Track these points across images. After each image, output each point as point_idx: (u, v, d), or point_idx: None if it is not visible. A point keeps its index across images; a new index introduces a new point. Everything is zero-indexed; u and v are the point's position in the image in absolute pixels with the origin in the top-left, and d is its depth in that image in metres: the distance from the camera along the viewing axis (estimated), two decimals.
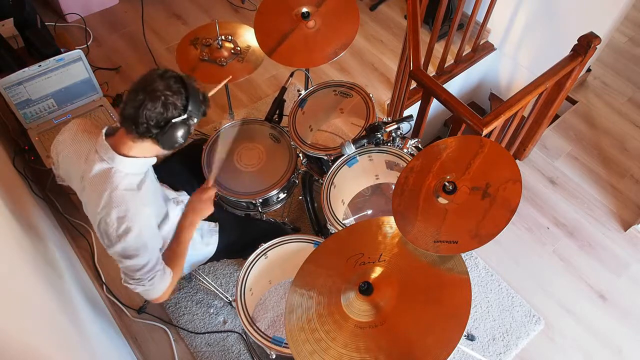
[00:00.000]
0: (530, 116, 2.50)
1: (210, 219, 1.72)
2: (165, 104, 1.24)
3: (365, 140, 1.83)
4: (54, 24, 3.12)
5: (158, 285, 1.43)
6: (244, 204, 2.01)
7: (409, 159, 1.76)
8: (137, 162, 1.35)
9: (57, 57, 2.12)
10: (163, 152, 1.37)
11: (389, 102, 2.96)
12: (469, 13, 2.74)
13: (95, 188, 1.33)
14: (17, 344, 1.10)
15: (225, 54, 2.17)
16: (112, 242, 1.34)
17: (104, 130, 1.35)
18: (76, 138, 1.41)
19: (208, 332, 2.12)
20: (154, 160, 1.40)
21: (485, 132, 1.98)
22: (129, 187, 1.33)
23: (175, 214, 1.60)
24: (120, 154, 1.32)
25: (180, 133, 1.30)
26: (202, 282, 2.19)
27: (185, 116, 1.27)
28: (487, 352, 2.16)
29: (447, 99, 2.06)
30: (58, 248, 2.05)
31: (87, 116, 2.28)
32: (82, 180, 1.38)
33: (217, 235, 1.78)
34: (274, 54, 2.04)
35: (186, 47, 2.21)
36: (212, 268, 2.28)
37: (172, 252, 1.55)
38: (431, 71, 3.02)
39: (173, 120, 1.26)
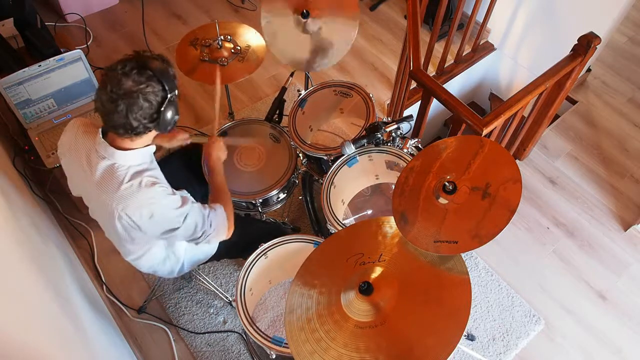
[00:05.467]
0: (530, 116, 2.50)
1: None
2: (146, 98, 1.26)
3: (365, 140, 1.83)
4: (54, 24, 3.12)
5: (219, 224, 1.53)
6: (244, 204, 2.00)
7: (409, 159, 1.76)
8: (138, 153, 1.38)
9: (57, 57, 2.11)
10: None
11: (389, 102, 2.96)
12: (469, 13, 2.74)
13: (104, 187, 1.35)
14: (17, 344, 1.10)
15: (226, 54, 2.17)
16: (144, 230, 1.39)
17: (100, 129, 1.37)
18: (76, 139, 1.43)
19: (208, 332, 2.12)
20: (153, 148, 1.43)
21: (485, 132, 1.98)
22: (136, 177, 1.35)
23: None
24: (120, 149, 1.34)
25: (171, 112, 1.33)
26: (202, 282, 2.19)
27: (169, 95, 1.30)
28: (487, 352, 2.16)
29: (447, 99, 2.06)
30: (58, 248, 2.05)
31: (87, 116, 2.28)
32: (86, 182, 1.39)
33: None
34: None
35: (185, 47, 2.20)
36: (212, 268, 2.28)
37: (214, 193, 1.62)
38: (431, 71, 3.01)
39: (162, 107, 1.29)
